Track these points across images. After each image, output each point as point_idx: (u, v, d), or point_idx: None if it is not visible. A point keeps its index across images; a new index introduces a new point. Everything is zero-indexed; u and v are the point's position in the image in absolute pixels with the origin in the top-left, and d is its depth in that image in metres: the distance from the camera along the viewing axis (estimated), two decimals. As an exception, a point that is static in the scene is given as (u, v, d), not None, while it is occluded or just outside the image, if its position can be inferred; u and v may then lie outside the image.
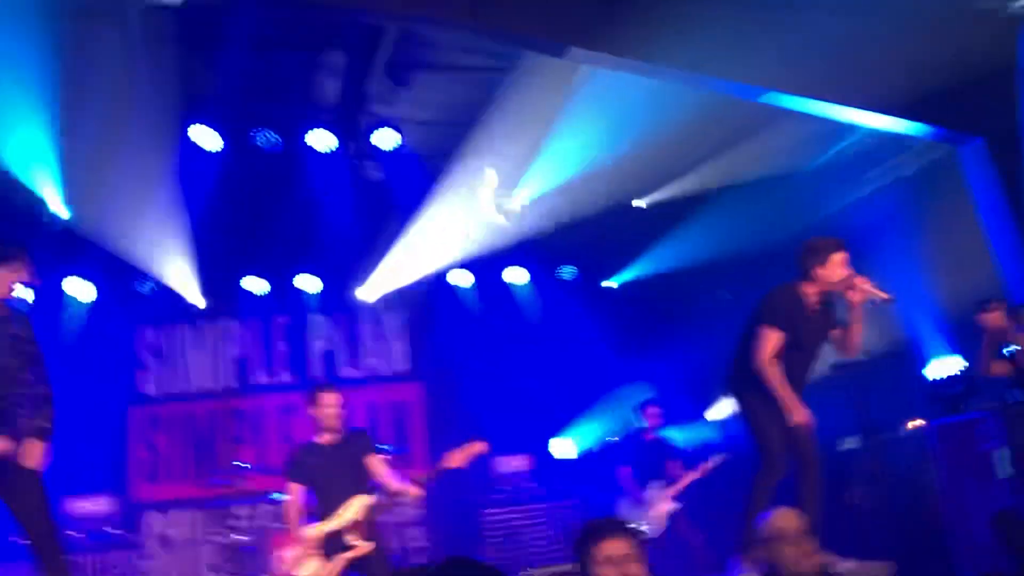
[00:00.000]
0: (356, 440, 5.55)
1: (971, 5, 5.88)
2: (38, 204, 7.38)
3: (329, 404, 5.44)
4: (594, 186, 8.46)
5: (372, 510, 5.31)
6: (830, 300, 4.90)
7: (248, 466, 7.93)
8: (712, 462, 7.83)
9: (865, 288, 4.70)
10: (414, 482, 5.29)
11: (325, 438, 5.49)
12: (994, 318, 5.26)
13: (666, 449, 8.12)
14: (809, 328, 4.87)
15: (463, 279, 9.77)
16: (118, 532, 7.57)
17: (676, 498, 7.78)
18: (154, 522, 8.93)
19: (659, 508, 7.71)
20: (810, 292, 4.85)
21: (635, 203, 8.93)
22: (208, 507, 8.69)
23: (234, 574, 7.50)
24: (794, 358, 4.84)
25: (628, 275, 10.01)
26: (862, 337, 4.84)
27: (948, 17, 6.10)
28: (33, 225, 7.45)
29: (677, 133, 7.64)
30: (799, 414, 4.66)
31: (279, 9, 6.34)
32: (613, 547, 2.90)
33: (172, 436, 9.24)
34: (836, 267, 4.78)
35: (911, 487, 6.86)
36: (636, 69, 5.94)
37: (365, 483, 5.40)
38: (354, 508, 5.29)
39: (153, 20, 5.93)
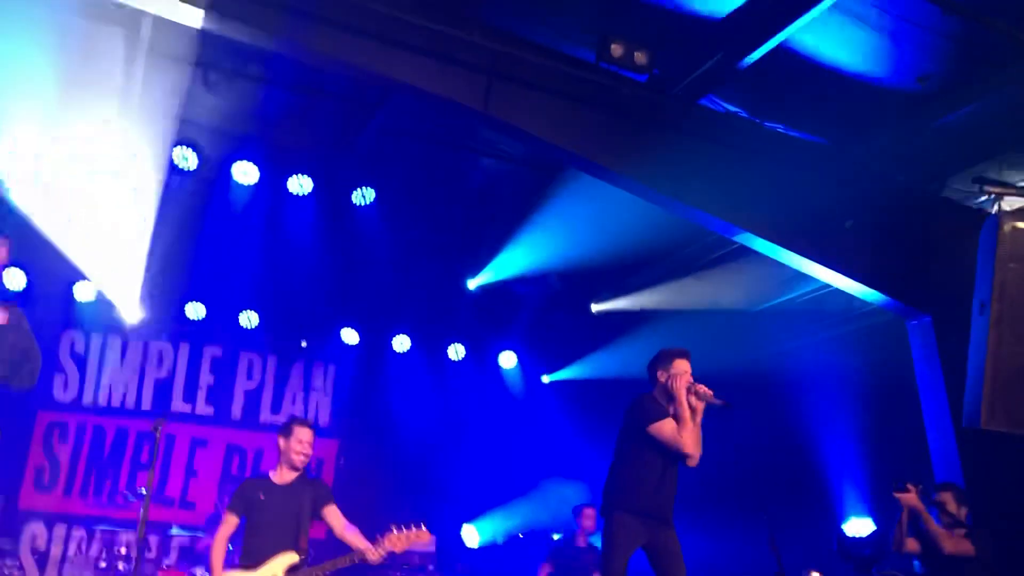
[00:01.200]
0: (312, 487, 5.33)
1: (943, 192, 6.26)
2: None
3: (302, 439, 5.26)
4: (551, 284, 8.63)
5: (293, 572, 5.09)
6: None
7: (143, 493, 7.65)
8: None
9: (702, 392, 4.84)
10: (377, 547, 5.08)
11: (281, 475, 5.30)
12: (909, 498, 5.43)
13: (597, 558, 7.56)
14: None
15: (403, 344, 9.72)
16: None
17: None
18: (36, 534, 8.49)
19: None
20: (660, 399, 4.99)
21: (593, 307, 9.10)
22: (95, 528, 8.30)
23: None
24: (665, 468, 4.89)
25: (568, 373, 10.10)
26: (697, 445, 4.86)
27: (918, 199, 6.50)
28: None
29: (643, 247, 7.90)
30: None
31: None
32: None
33: (76, 448, 8.85)
34: (679, 372, 4.92)
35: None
36: (626, 186, 6.13)
37: (299, 536, 5.16)
38: (276, 565, 5.09)
39: (164, 32, 5.94)
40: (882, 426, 7.10)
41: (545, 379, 10.33)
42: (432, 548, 8.41)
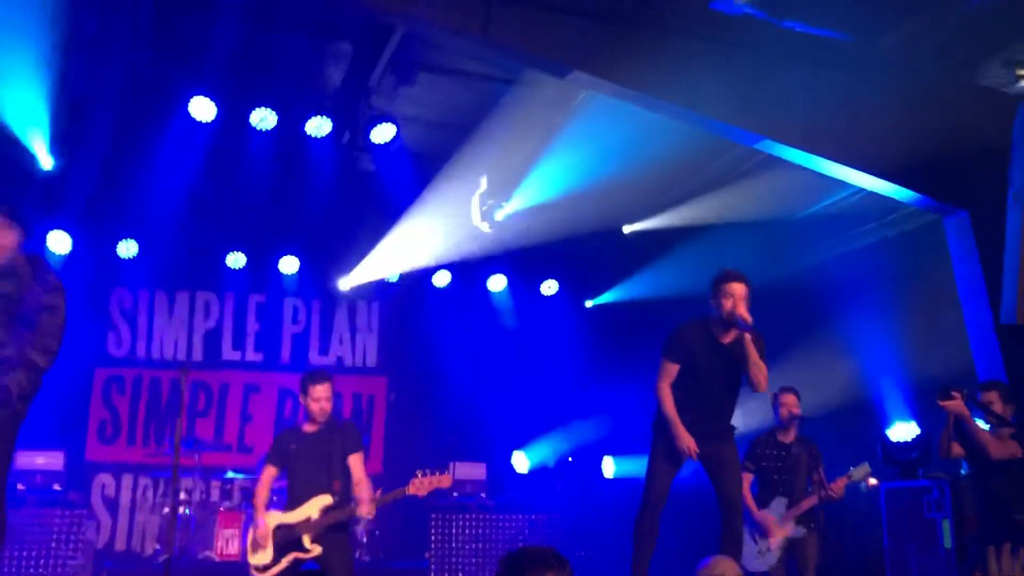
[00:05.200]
0: (340, 433, 5.48)
1: (974, 80, 5.94)
2: (27, 155, 7.32)
3: (318, 396, 5.41)
4: (583, 207, 8.51)
5: (329, 512, 5.29)
6: (741, 337, 4.85)
7: (197, 440, 7.97)
8: (857, 474, 6.21)
9: (740, 312, 4.74)
10: (372, 501, 5.29)
11: (309, 425, 5.50)
12: (954, 405, 5.28)
13: (805, 453, 6.36)
14: (711, 361, 4.94)
15: (442, 280, 9.78)
16: (61, 490, 7.47)
17: (801, 521, 6.23)
18: (104, 484, 8.89)
19: (779, 532, 6.18)
20: (714, 325, 4.92)
21: (625, 229, 8.98)
22: (158, 476, 8.66)
23: (176, 546, 7.47)
24: (695, 389, 4.96)
25: (610, 297, 10.04)
26: (762, 373, 4.83)
27: (949, 89, 6.18)
28: (20, 176, 7.41)
29: (672, 165, 7.72)
30: (685, 441, 4.84)
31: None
32: None
33: (134, 401, 9.18)
34: (725, 298, 4.82)
35: (857, 544, 6.91)
36: (637, 100, 5.96)
37: (337, 479, 5.36)
38: (311, 507, 5.30)
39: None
40: (924, 329, 6.90)
41: (588, 304, 10.30)
42: (483, 476, 8.57)
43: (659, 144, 7.27)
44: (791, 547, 6.21)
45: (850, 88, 6.06)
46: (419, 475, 5.50)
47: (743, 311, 4.73)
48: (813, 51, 6.01)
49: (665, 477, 5.04)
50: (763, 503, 6.27)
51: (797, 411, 6.30)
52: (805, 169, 6.53)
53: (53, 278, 4.47)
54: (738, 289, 4.81)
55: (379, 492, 5.45)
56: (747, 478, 6.33)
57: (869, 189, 6.48)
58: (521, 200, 8.40)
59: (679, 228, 8.62)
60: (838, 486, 6.13)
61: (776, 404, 6.41)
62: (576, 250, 9.54)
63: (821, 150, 6.06)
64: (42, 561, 6.97)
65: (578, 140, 7.49)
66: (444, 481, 5.53)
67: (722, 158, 7.77)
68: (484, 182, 8.27)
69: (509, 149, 7.78)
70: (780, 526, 6.16)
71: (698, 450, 4.87)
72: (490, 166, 8.05)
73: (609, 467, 9.40)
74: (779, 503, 6.22)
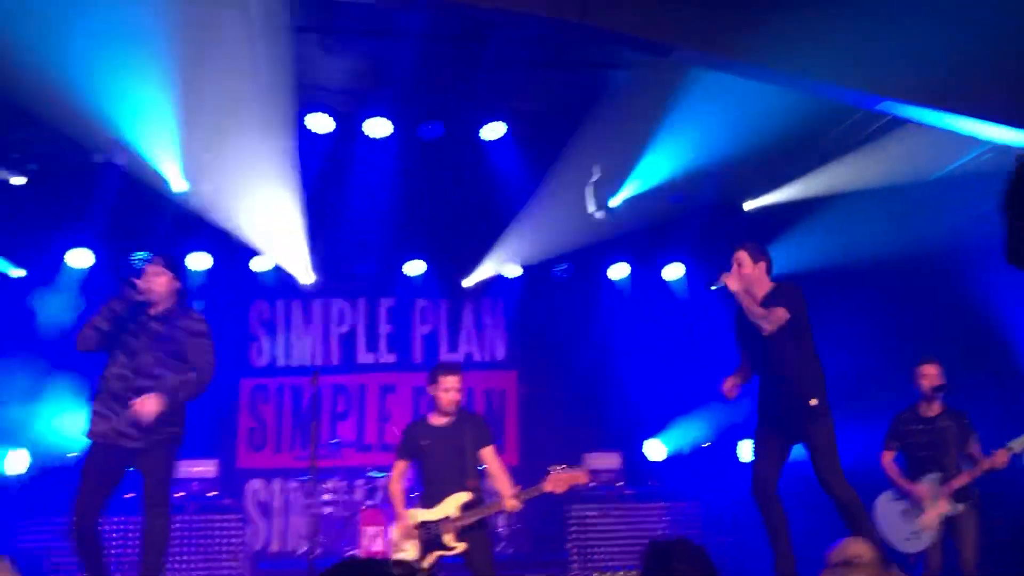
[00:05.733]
0: (471, 427, 5.49)
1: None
2: (160, 180, 7.77)
3: (448, 387, 5.43)
4: (701, 186, 8.33)
5: (469, 509, 5.31)
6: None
7: (338, 441, 8.27)
8: (1018, 445, 5.77)
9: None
10: (517, 496, 5.28)
11: (438, 419, 5.50)
12: None
13: (953, 425, 6.09)
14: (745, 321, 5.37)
15: (564, 271, 9.77)
16: (214, 495, 7.88)
17: (958, 498, 5.93)
18: (256, 489, 9.36)
19: (933, 510, 5.95)
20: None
21: (745, 206, 8.73)
22: (305, 478, 9.01)
23: (325, 544, 7.78)
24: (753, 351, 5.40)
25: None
26: (758, 313, 5.20)
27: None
28: (156, 200, 7.87)
29: (790, 136, 7.45)
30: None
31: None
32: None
33: (278, 408, 9.62)
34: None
35: (1018, 523, 6.50)
36: (744, 72, 5.77)
37: (472, 474, 5.37)
38: (449, 504, 5.33)
39: (272, 6, 6.16)
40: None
41: (713, 287, 10.03)
42: (618, 465, 8.52)
43: (774, 116, 7.01)
44: (948, 526, 5.91)
45: (974, 38, 5.66)
46: (554, 471, 5.40)
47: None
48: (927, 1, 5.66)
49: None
50: (913, 481, 5.99)
51: (939, 382, 5.98)
52: (933, 128, 6.17)
53: (197, 312, 4.90)
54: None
55: (518, 488, 5.41)
56: (889, 455, 6.09)
57: (1004, 143, 6.05)
58: (636, 185, 8.30)
59: (802, 201, 8.30)
60: (998, 458, 5.76)
61: (917, 376, 6.11)
62: (697, 232, 9.34)
63: (945, 105, 5.70)
64: (203, 564, 7.39)
65: (690, 119, 7.31)
66: (581, 477, 5.46)
67: (842, 124, 7.44)
68: (597, 170, 8.20)
69: (620, 134, 7.69)
70: (934, 503, 5.87)
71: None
72: (602, 153, 7.98)
73: (746, 451, 9.16)
74: (931, 479, 5.92)
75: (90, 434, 4.81)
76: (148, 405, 4.62)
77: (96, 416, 4.79)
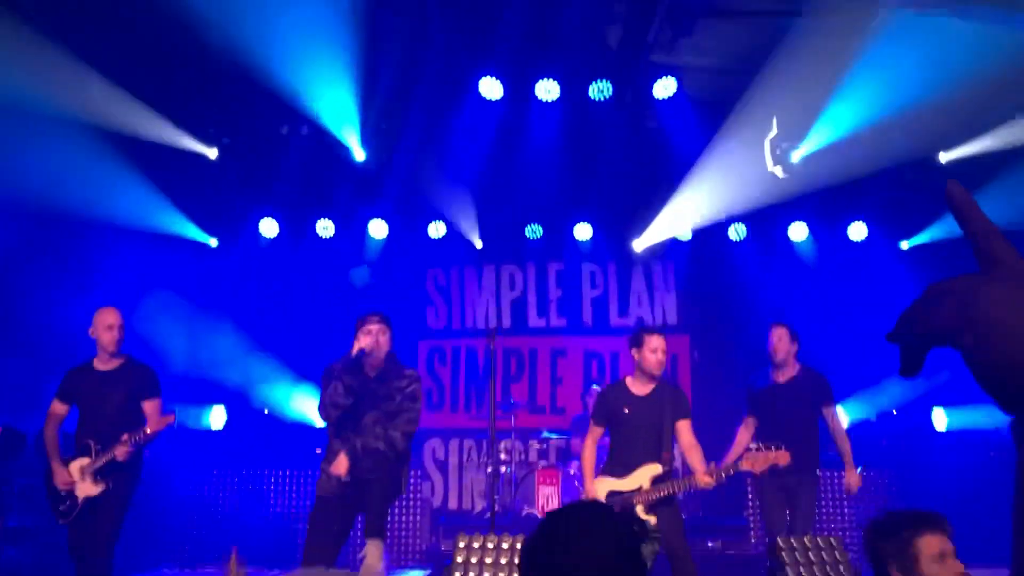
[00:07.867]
0: (672, 398, 5.24)
1: None
2: (343, 150, 8.08)
3: (655, 347, 5.19)
4: (891, 138, 7.80)
5: (660, 482, 5.08)
6: None
7: (514, 403, 8.39)
8: None
9: None
10: (710, 472, 4.97)
11: (639, 385, 5.28)
12: None
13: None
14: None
15: (738, 232, 9.45)
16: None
17: None
18: (434, 448, 9.68)
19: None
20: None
21: (941, 157, 8.13)
22: (481, 438, 9.24)
23: (500, 502, 7.94)
24: None
25: (925, 237, 9.14)
26: None
27: None
28: (338, 170, 8.19)
29: (991, 80, 6.84)
30: None
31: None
32: (935, 544, 2.59)
33: (454, 369, 9.89)
34: None
35: None
36: (944, 6, 5.33)
37: (667, 447, 5.14)
38: (642, 476, 5.13)
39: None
40: None
41: (904, 245, 9.45)
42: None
43: (973, 58, 6.45)
44: None
45: None
46: (753, 448, 5.08)
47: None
48: None
49: None
50: None
51: None
52: None
53: (409, 369, 5.05)
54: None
55: (711, 464, 5.14)
56: None
57: None
58: (818, 139, 7.88)
59: (1006, 151, 7.63)
60: None
61: None
62: (885, 187, 8.78)
63: None
64: (387, 519, 7.69)
65: (878, 66, 6.85)
66: (782, 458, 4.98)
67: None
68: (775, 124, 7.85)
69: (800, 86, 7.30)
70: None
71: None
72: (780, 107, 7.63)
73: (941, 420, 8.61)
74: None
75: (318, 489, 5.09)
76: (340, 467, 4.92)
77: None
